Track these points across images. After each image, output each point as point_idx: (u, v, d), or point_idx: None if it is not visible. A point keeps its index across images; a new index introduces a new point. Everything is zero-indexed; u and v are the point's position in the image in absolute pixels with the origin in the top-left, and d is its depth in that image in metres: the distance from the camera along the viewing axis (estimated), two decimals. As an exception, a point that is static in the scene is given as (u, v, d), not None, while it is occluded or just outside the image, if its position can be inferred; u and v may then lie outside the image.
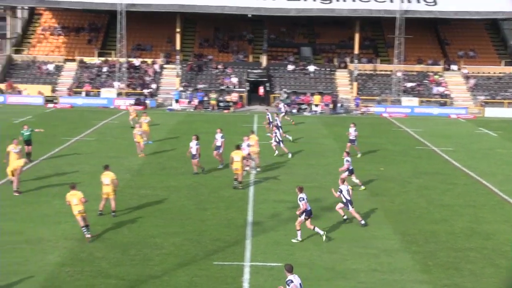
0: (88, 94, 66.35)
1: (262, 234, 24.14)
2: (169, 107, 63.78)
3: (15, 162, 29.54)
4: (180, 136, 45.20)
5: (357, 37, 68.99)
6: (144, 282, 19.50)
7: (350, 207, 25.65)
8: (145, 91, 66.91)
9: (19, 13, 75.47)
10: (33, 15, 77.29)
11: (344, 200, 25.65)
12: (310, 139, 47.01)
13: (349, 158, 31.56)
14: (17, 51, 72.42)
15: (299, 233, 23.60)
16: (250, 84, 67.92)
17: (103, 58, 71.44)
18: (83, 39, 74.95)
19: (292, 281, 15.93)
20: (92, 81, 68.48)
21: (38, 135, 44.55)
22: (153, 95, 66.76)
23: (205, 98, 64.94)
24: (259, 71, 69.68)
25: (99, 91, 66.47)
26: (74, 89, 66.88)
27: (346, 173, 31.09)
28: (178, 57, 69.06)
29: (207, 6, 67.09)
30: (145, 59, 71.59)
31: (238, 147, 31.53)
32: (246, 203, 28.53)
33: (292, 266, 16.48)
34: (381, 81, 70.16)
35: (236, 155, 30.73)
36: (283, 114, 54.53)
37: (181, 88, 66.55)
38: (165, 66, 70.78)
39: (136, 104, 63.06)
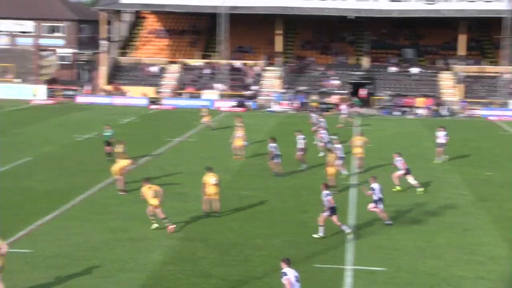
0: (190, 96, 67.48)
1: (363, 238, 23.87)
2: (270, 109, 64.06)
3: (121, 162, 30.35)
4: (280, 138, 45.13)
5: (462, 38, 67.32)
6: (245, 283, 19.60)
7: (380, 205, 25.38)
8: (246, 93, 67.48)
9: (125, 16, 77.60)
10: (138, 19, 79.33)
11: (376, 198, 25.40)
12: (412, 142, 46.20)
13: (400, 158, 31.26)
14: (123, 54, 74.46)
15: (321, 229, 23.75)
16: (352, 86, 67.42)
17: (205, 60, 72.52)
18: (186, 41, 76.33)
19: (286, 274, 16.20)
20: (194, 82, 69.61)
21: (142, 136, 45.77)
22: (254, 97, 67.23)
23: (306, 100, 64.92)
24: (361, 73, 69.07)
25: (201, 93, 67.49)
26: (177, 91, 68.19)
27: (402, 172, 30.93)
28: (279, 59, 69.29)
29: (308, 8, 67.07)
30: (246, 61, 72.19)
31: (330, 151, 31.60)
32: (347, 205, 28.27)
33: (290, 259, 16.71)
34: (488, 83, 68.16)
35: (331, 159, 30.77)
36: (346, 115, 54.34)
37: (282, 90, 66.75)
38: (266, 68, 71.13)
39: (237, 106, 63.81)
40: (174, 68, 72.06)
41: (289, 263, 16.58)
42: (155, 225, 24.41)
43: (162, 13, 76.86)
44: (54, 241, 22.85)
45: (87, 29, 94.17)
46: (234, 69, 70.69)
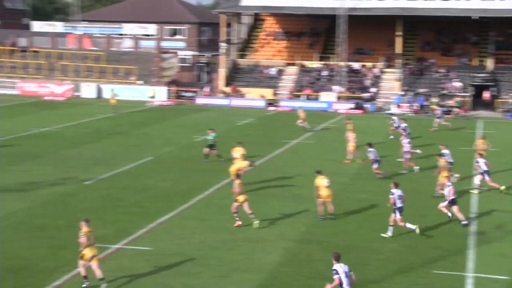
0: (308, 98, 67.58)
1: (486, 245, 23.14)
2: (388, 111, 63.16)
3: (239, 163, 30.72)
4: (398, 141, 44.55)
5: None
6: (362, 286, 19.39)
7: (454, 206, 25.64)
8: (364, 95, 66.87)
9: (244, 19, 78.62)
10: (257, 21, 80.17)
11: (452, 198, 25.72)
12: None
13: (480, 160, 31.30)
14: (241, 56, 75.46)
15: (390, 228, 24.14)
16: (475, 88, 65.53)
17: (323, 62, 72.42)
18: (304, 43, 76.48)
19: (337, 272, 16.51)
20: (312, 84, 69.65)
21: (259, 138, 46.22)
22: (372, 99, 66.54)
23: (426, 103, 63.65)
24: (484, 75, 67.00)
25: (319, 95, 67.47)
26: (295, 93, 68.44)
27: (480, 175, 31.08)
28: (398, 61, 68.29)
29: (430, 9, 65.69)
30: (365, 63, 71.52)
31: (440, 156, 31.51)
32: (468, 211, 27.46)
33: (340, 254, 16.96)
34: None
35: (443, 164, 30.44)
36: (440, 119, 53.00)
37: (402, 92, 65.74)
38: (385, 70, 70.22)
39: (355, 108, 63.37)
40: (292, 70, 72.36)
41: (338, 258, 16.80)
42: (238, 222, 25.12)
43: (280, 15, 77.37)
44: (173, 240, 23.41)
45: (207, 31, 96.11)
46: (352, 71, 70.22)
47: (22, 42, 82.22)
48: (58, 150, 40.04)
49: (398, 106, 63.37)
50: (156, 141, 44.07)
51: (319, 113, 62.16)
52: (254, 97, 68.10)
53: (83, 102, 65.57)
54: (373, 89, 67.76)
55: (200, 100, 68.44)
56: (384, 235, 24.02)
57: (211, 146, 37.27)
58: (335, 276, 16.60)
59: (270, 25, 79.67)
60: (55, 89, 71.10)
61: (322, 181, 26.26)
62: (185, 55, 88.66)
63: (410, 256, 21.99)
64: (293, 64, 73.01)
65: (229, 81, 71.61)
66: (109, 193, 29.96)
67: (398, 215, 24.01)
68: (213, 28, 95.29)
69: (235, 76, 72.87)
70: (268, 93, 68.71)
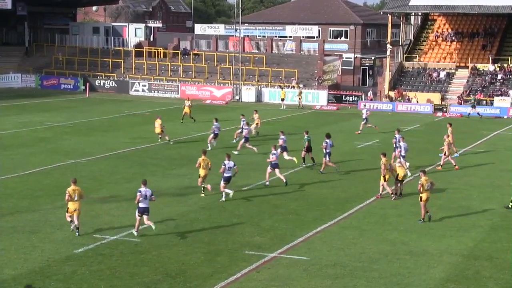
0: (479, 103, 65.41)
1: None
2: None
3: (400, 171, 30.37)
4: None
5: None
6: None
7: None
8: (544, 100, 63.93)
9: (411, 19, 77.42)
10: (426, 21, 78.68)
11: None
12: None
13: None
14: (408, 58, 74.27)
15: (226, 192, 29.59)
16: None
17: (498, 65, 69.90)
18: (477, 44, 74.17)
19: (139, 191, 23.54)
20: (485, 89, 67.39)
21: (425, 145, 45.31)
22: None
23: None
24: None
25: (492, 100, 65.17)
26: (465, 98, 66.47)
27: None
28: None
29: None
30: (545, 66, 68.34)
31: None
32: None
33: (146, 181, 24.07)
34: None
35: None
36: (364, 121, 50.56)
37: None
38: None
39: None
40: (463, 73, 70.38)
41: (145, 184, 23.73)
42: (202, 194, 30.10)
43: (452, 15, 75.51)
44: (331, 250, 23.39)
45: (371, 33, 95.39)
46: (531, 74, 67.32)
47: (185, 45, 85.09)
48: (216, 155, 40.94)
49: None
50: (315, 147, 44.07)
51: (492, 119, 60.06)
52: (420, 102, 66.86)
53: (242, 106, 66.92)
54: (553, 94, 64.64)
55: (363, 105, 67.95)
56: (222, 199, 29.25)
57: (308, 149, 37.74)
58: (138, 194, 23.34)
59: (440, 25, 77.90)
60: (215, 92, 73.12)
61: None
62: (348, 58, 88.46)
63: None
64: (464, 67, 71.00)
65: (395, 85, 70.71)
66: (266, 199, 30.40)
67: (222, 183, 29.45)
68: (378, 29, 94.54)
69: (401, 79, 71.88)
70: (435, 97, 67.23)
